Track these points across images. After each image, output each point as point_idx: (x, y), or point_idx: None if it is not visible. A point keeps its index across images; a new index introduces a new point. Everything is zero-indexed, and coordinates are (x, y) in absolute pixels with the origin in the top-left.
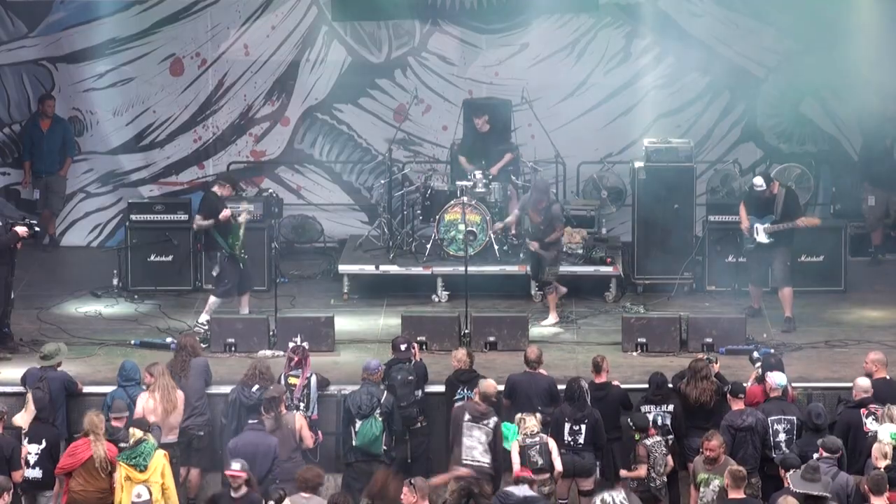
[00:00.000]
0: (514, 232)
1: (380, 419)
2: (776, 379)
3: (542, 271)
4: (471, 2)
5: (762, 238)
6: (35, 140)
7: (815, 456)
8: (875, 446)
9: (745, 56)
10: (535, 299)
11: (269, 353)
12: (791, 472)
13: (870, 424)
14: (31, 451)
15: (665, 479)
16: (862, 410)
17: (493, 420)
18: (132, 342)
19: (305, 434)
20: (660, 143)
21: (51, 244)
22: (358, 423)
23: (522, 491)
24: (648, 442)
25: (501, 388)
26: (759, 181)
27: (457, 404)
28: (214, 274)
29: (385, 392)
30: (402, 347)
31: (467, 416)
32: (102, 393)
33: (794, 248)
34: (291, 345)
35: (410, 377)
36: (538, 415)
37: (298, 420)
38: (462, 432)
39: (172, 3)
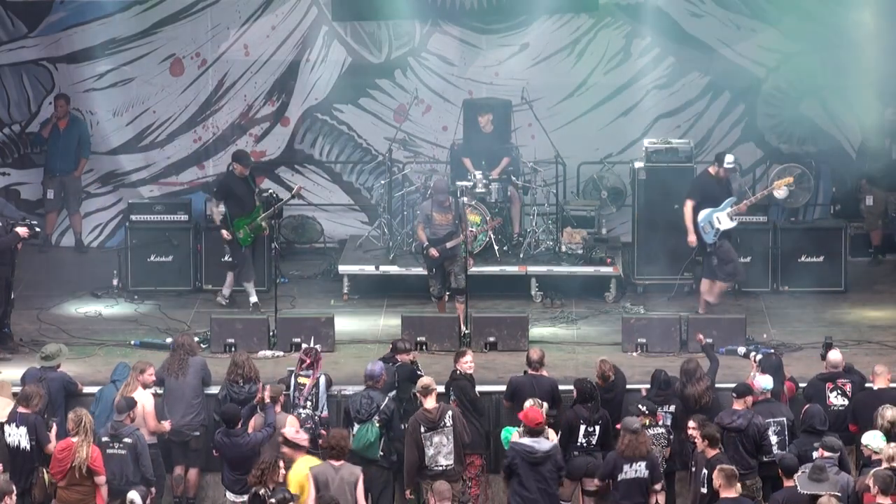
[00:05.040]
0: (517, 231)
1: (377, 425)
2: (761, 382)
3: (455, 279)
4: (471, 2)
5: (726, 224)
6: (52, 138)
7: (815, 456)
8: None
9: (745, 56)
10: (535, 299)
11: (269, 353)
12: (797, 474)
13: (833, 398)
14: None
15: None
16: (828, 384)
17: (447, 416)
18: (132, 342)
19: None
20: (660, 143)
21: (45, 244)
22: (355, 427)
23: (542, 444)
24: (651, 432)
25: (499, 388)
26: (731, 157)
27: (410, 417)
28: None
29: (387, 398)
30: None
31: (423, 428)
32: None
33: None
34: (305, 346)
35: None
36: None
37: (290, 422)
38: (422, 443)
39: (172, 3)
